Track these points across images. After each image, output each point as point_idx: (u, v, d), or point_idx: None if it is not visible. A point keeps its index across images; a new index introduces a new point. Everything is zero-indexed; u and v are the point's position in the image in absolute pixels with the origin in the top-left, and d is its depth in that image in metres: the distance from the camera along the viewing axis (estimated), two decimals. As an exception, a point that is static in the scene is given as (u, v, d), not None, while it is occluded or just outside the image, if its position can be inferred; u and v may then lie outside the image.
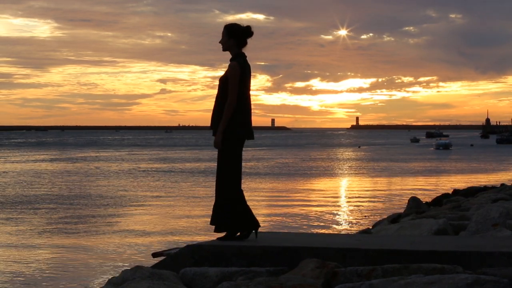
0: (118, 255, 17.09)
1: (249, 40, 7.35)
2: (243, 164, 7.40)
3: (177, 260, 6.86)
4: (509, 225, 8.58)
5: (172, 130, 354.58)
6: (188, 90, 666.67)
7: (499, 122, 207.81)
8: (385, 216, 17.81)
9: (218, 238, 7.26)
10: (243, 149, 7.45)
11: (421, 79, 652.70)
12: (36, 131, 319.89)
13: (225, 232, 7.22)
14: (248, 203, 7.41)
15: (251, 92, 7.36)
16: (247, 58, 7.33)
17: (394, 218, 14.00)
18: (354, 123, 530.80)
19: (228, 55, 7.41)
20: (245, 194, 7.38)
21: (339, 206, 28.33)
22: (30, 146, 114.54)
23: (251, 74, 7.38)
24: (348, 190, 35.92)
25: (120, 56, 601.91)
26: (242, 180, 7.50)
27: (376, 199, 30.58)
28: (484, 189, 22.65)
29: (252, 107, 7.33)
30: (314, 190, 35.85)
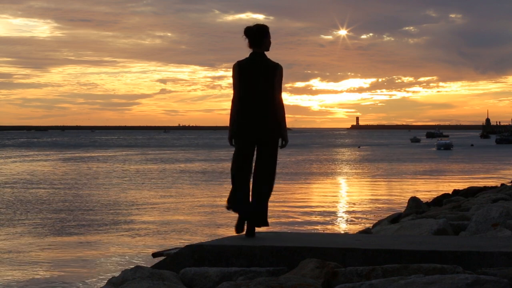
0: (118, 255, 17.09)
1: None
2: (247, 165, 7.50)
3: (177, 260, 6.86)
4: (509, 225, 8.57)
5: (170, 130, 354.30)
6: (188, 90, 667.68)
7: (499, 122, 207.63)
8: (385, 216, 17.81)
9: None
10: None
11: (421, 79, 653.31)
12: (36, 131, 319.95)
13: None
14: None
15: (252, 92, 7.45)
16: (261, 57, 7.42)
17: (394, 218, 14.00)
18: (354, 123, 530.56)
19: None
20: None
21: (339, 206, 28.33)
22: (21, 147, 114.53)
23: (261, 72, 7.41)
24: (348, 190, 35.92)
25: (120, 56, 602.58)
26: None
27: (376, 199, 30.57)
28: (484, 189, 22.65)
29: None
30: (314, 190, 35.85)
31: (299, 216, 24.29)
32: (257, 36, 7.43)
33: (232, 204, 7.46)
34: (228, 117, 7.40)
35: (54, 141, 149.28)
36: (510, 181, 32.31)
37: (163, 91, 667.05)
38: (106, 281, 6.69)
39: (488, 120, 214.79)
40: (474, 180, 39.62)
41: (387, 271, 5.54)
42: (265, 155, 7.45)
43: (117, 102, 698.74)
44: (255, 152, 7.47)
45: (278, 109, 7.39)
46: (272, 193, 7.55)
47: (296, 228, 21.35)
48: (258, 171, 7.48)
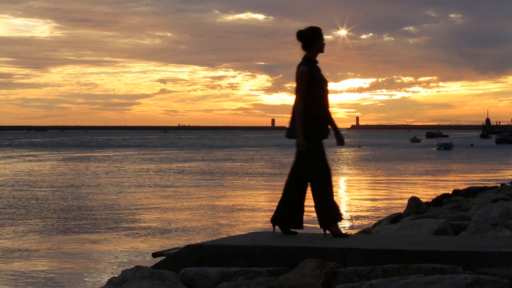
0: (118, 255, 17.09)
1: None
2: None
3: (177, 260, 6.86)
4: (509, 225, 8.57)
5: (169, 130, 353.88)
6: (188, 90, 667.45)
7: (499, 122, 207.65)
8: (385, 216, 17.80)
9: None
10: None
11: (421, 79, 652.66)
12: (36, 131, 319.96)
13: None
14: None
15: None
16: (301, 60, 7.64)
17: (394, 218, 13.99)
18: (354, 123, 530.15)
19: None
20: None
21: (339, 206, 28.28)
22: (21, 147, 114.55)
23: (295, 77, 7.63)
24: (348, 190, 35.91)
25: (120, 56, 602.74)
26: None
27: (376, 199, 30.57)
28: (484, 189, 22.64)
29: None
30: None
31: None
32: (307, 39, 7.54)
33: None
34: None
35: (53, 141, 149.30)
36: (510, 181, 32.30)
37: (163, 91, 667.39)
38: (106, 281, 6.69)
39: (488, 120, 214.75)
40: (474, 180, 39.62)
41: (387, 271, 5.54)
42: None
43: (117, 102, 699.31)
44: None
45: (296, 106, 7.42)
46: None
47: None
48: None
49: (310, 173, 7.44)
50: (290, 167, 7.66)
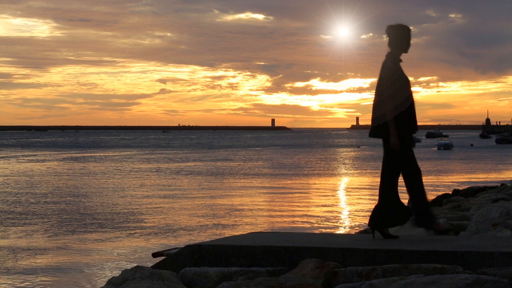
0: (118, 255, 17.10)
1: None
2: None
3: (177, 260, 6.86)
4: (509, 225, 8.57)
5: (169, 130, 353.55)
6: (188, 90, 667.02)
7: (499, 122, 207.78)
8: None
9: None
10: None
11: (421, 79, 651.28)
12: (36, 131, 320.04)
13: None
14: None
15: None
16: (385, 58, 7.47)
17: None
18: (354, 123, 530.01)
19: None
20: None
21: (339, 206, 28.31)
22: (21, 147, 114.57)
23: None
24: (348, 190, 35.91)
25: (119, 56, 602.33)
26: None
27: (376, 199, 30.52)
28: (484, 189, 22.67)
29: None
30: (314, 190, 35.85)
31: (299, 216, 24.28)
32: (396, 37, 7.41)
33: None
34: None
35: (54, 141, 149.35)
36: (510, 180, 32.32)
37: (162, 91, 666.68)
38: (106, 281, 6.69)
39: (488, 120, 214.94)
40: (474, 180, 39.62)
41: (387, 271, 5.53)
42: None
43: (117, 102, 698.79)
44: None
45: (384, 104, 7.28)
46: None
47: (296, 228, 21.34)
48: None
49: (403, 170, 7.46)
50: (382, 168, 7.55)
